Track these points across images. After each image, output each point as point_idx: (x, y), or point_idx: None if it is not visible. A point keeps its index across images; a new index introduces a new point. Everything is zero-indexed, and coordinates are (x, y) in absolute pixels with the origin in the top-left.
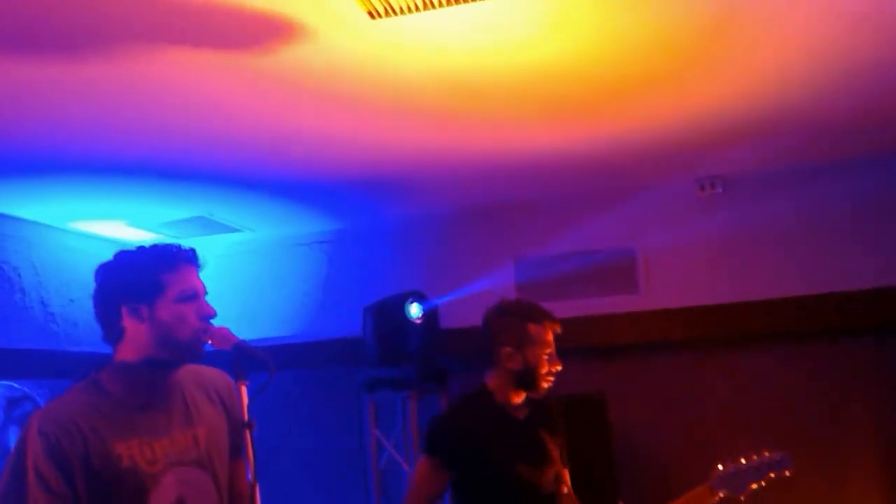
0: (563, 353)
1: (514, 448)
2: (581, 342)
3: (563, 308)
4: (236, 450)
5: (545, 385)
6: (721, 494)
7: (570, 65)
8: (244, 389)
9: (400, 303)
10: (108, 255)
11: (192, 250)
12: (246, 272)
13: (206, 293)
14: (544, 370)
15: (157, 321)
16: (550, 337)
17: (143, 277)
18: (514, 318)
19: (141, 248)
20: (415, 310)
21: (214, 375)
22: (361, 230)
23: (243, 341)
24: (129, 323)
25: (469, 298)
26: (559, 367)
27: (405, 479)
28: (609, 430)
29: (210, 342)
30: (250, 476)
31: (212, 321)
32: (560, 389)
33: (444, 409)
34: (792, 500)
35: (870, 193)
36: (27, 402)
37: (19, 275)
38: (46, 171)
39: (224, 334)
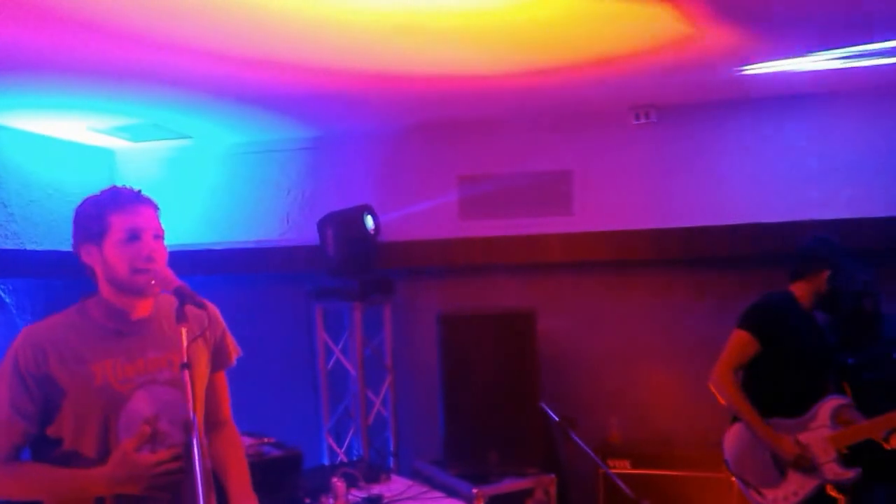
0: (501, 269)
1: (813, 334)
2: (517, 260)
3: (503, 227)
4: (215, 366)
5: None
6: None
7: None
8: (184, 331)
9: (357, 216)
10: (66, 157)
11: (138, 191)
12: (203, 178)
13: (157, 234)
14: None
15: (105, 261)
16: None
17: (90, 219)
18: (841, 252)
19: (100, 192)
20: (369, 223)
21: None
22: (316, 142)
23: (184, 284)
24: (89, 261)
25: (413, 214)
26: None
27: (350, 380)
28: (535, 343)
29: (153, 283)
30: (190, 412)
31: (155, 262)
32: (495, 303)
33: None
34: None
35: (797, 127)
36: None
37: None
38: (3, 74)
39: (166, 276)
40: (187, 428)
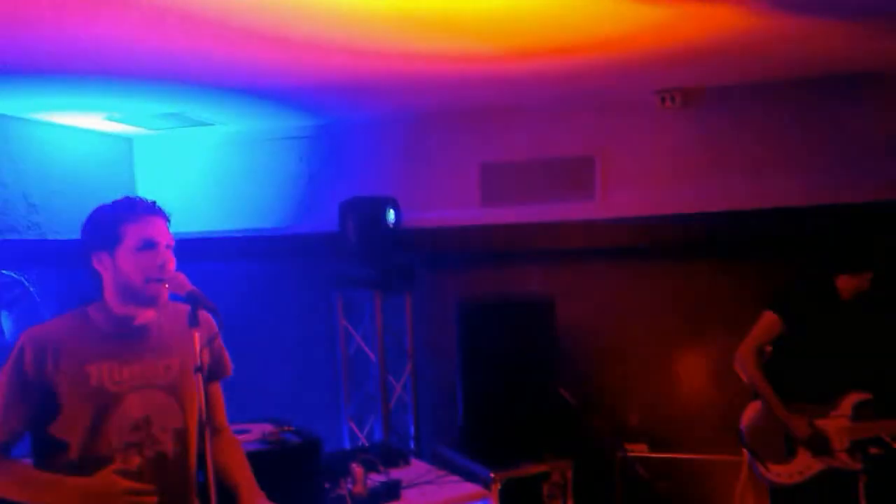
0: (522, 255)
1: (845, 327)
2: (539, 246)
3: (525, 213)
4: (212, 375)
5: None
6: None
7: None
8: (197, 335)
9: (378, 204)
10: (86, 147)
11: (153, 203)
12: (224, 164)
13: (169, 244)
14: None
15: (118, 269)
16: None
17: (104, 227)
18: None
19: (113, 202)
20: (391, 215)
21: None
22: (334, 128)
23: (197, 289)
24: (99, 269)
25: (434, 200)
26: None
27: (371, 366)
28: (555, 330)
29: (167, 288)
30: (203, 416)
31: (168, 270)
32: (516, 290)
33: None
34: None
35: (819, 113)
36: (17, 287)
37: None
38: (23, 66)
39: (180, 282)
40: (180, 436)
